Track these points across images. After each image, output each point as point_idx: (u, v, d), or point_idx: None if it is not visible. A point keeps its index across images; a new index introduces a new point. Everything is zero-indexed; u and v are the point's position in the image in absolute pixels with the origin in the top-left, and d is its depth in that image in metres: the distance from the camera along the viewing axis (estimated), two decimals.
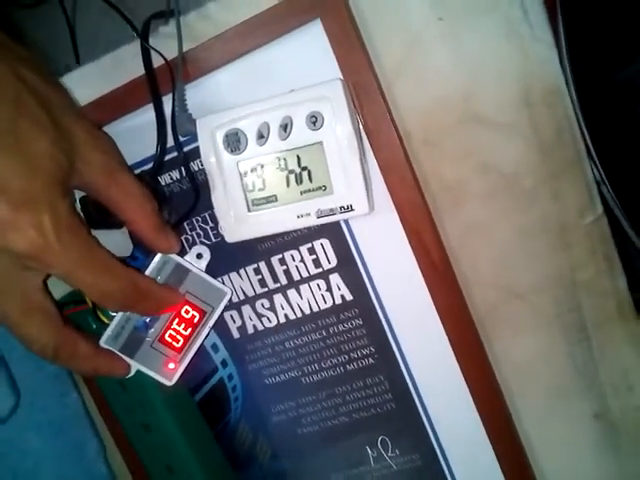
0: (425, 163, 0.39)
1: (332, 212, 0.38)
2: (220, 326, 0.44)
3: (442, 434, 0.43)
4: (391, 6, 0.37)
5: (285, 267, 0.43)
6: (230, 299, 0.42)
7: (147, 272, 0.39)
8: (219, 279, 0.44)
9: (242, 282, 0.44)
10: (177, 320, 0.40)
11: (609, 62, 0.36)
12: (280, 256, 0.43)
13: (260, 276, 0.43)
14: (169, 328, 0.40)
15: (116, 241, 0.41)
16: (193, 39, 0.40)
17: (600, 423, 0.41)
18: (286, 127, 0.38)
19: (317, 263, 0.42)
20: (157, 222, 0.39)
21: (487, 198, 0.39)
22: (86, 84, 0.42)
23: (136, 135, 0.42)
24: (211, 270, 0.42)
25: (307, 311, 0.43)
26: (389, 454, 0.44)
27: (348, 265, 0.42)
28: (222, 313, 0.42)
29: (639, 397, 0.40)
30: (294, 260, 0.42)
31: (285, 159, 0.38)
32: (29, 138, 0.32)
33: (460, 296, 0.40)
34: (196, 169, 0.42)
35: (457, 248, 0.40)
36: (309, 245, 0.42)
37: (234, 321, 0.45)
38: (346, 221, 0.41)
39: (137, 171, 0.42)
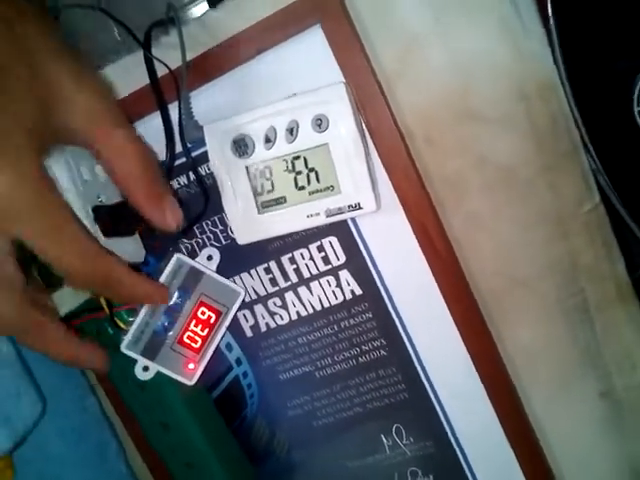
0: (427, 159, 0.40)
1: (340, 211, 0.39)
2: (233, 325, 0.46)
3: (454, 420, 0.45)
4: (388, 8, 0.38)
5: (295, 265, 0.44)
6: (243, 299, 0.43)
7: (162, 277, 0.41)
8: (231, 279, 0.45)
9: (253, 282, 0.45)
10: (194, 322, 0.42)
11: (601, 56, 0.38)
12: (290, 255, 0.44)
13: (271, 275, 0.45)
14: (187, 330, 0.41)
15: (128, 247, 0.42)
16: (194, 47, 0.41)
17: (606, 401, 0.42)
18: (292, 130, 0.39)
19: (326, 260, 0.43)
20: (151, 191, 0.34)
21: (486, 190, 0.41)
22: None
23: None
24: (223, 271, 0.43)
25: (318, 307, 0.45)
26: (404, 442, 0.46)
27: (356, 261, 0.43)
28: (236, 313, 0.43)
29: None
30: (304, 258, 0.44)
31: (292, 161, 0.39)
32: None
33: (465, 284, 0.42)
34: (204, 173, 0.43)
35: (460, 239, 0.42)
36: (318, 243, 0.43)
37: (247, 320, 0.46)
38: (353, 219, 0.42)
39: None
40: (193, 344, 0.42)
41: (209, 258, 0.43)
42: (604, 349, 0.42)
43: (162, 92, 0.41)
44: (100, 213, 0.40)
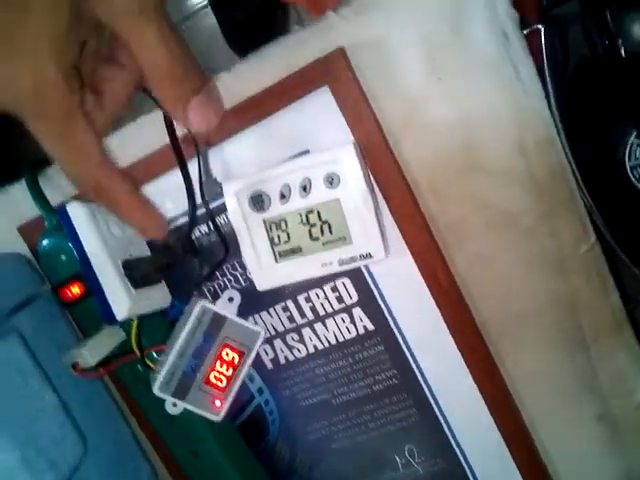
0: (432, 207, 0.43)
1: (352, 260, 0.42)
2: (255, 359, 0.49)
3: (462, 439, 0.48)
4: (393, 70, 0.41)
5: (311, 304, 0.47)
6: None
7: (188, 325, 0.44)
8: (251, 318, 0.48)
9: (272, 319, 0.48)
10: (219, 362, 0.45)
11: (594, 116, 0.40)
12: (305, 295, 0.47)
13: (288, 313, 0.48)
14: (213, 370, 0.45)
15: (156, 294, 0.45)
16: None
17: (603, 424, 0.46)
18: (305, 187, 0.42)
19: (340, 299, 0.46)
20: (176, 91, 0.33)
21: (489, 234, 0.43)
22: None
23: (165, 196, 0.45)
24: (243, 310, 0.46)
25: (333, 341, 0.48)
26: (416, 460, 0.50)
27: (368, 299, 0.46)
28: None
29: (637, 398, 0.45)
30: (319, 298, 0.47)
31: (307, 215, 0.42)
32: None
33: (470, 317, 0.45)
34: (224, 222, 0.46)
35: (465, 278, 0.44)
36: (332, 284, 0.46)
37: (267, 354, 0.50)
38: None
39: (172, 226, 0.46)
40: (219, 383, 0.45)
41: (230, 300, 0.46)
42: (601, 374, 0.45)
43: (181, 151, 0.43)
44: (129, 267, 0.43)
